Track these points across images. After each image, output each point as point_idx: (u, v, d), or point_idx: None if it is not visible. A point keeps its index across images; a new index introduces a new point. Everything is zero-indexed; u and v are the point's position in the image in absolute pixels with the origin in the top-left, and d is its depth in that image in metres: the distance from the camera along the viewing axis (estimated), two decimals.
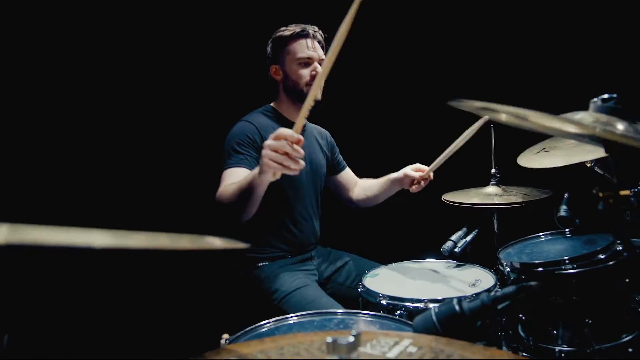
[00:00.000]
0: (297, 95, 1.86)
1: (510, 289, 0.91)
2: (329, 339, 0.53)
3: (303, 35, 1.83)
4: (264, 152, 1.23)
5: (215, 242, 0.54)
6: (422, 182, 1.89)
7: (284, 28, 1.87)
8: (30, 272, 1.94)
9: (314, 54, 1.83)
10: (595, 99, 0.91)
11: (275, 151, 1.21)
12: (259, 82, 2.01)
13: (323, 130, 2.14)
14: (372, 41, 2.69)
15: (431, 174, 1.89)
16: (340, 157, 2.18)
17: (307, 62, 1.83)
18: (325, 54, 1.88)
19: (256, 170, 1.35)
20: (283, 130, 1.22)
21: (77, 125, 2.16)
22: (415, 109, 2.83)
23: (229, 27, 2.49)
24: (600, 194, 0.85)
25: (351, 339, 0.53)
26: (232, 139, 1.74)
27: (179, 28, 2.38)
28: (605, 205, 0.85)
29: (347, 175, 2.19)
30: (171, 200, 2.35)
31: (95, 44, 2.17)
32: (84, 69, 2.16)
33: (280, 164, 1.22)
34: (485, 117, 1.64)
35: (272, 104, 1.94)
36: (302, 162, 1.25)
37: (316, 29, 1.87)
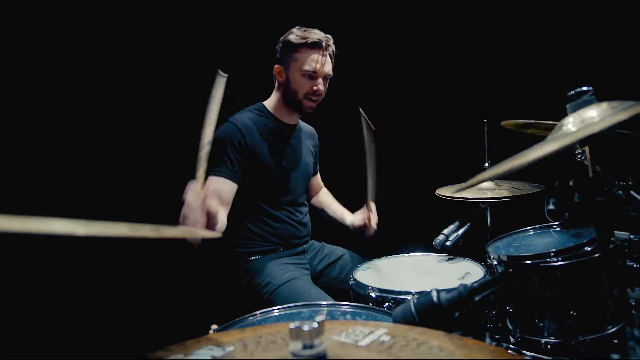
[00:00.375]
0: (293, 103, 1.84)
1: (486, 280, 0.93)
2: (292, 325, 0.55)
3: (315, 46, 1.76)
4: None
5: (174, 231, 0.57)
6: (371, 219, 1.92)
7: (297, 31, 1.80)
8: (11, 263, 1.94)
9: (321, 70, 1.78)
10: (572, 92, 0.92)
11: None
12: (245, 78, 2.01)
13: (313, 130, 2.15)
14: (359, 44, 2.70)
15: (372, 208, 1.93)
16: (318, 162, 2.21)
17: (311, 75, 1.79)
18: (332, 68, 1.85)
19: None
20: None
21: (55, 117, 2.12)
22: (405, 107, 2.85)
23: (215, 21, 2.48)
24: (576, 186, 0.86)
25: (315, 325, 0.55)
26: (214, 143, 1.72)
27: (161, 19, 2.35)
28: (580, 197, 0.86)
29: (315, 180, 2.23)
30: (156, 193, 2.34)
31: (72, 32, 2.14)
32: (61, 61, 2.13)
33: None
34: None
35: (265, 103, 1.94)
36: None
37: (330, 40, 1.81)
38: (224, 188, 1.68)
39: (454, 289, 0.93)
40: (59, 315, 2.05)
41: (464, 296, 0.91)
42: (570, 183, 0.89)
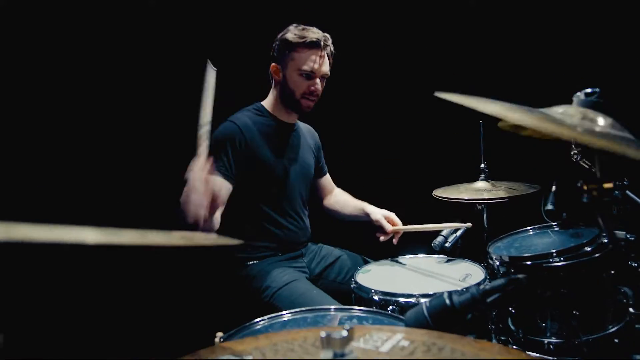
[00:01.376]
0: (290, 103, 1.83)
1: (499, 282, 0.93)
2: (323, 334, 0.54)
3: (313, 46, 1.75)
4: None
5: (203, 238, 0.55)
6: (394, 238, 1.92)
7: (294, 29, 1.79)
8: (23, 270, 1.91)
9: (319, 70, 1.77)
10: (578, 93, 0.93)
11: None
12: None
13: (313, 130, 2.13)
14: (360, 42, 2.70)
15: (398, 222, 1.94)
16: (324, 161, 2.17)
17: (309, 75, 1.77)
18: (330, 68, 1.83)
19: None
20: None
21: (64, 122, 2.11)
22: (401, 108, 2.85)
23: (210, 18, 2.45)
24: (585, 187, 0.87)
25: (345, 333, 0.54)
26: (212, 141, 1.68)
27: (158, 17, 2.33)
28: (589, 198, 0.87)
29: (326, 181, 2.19)
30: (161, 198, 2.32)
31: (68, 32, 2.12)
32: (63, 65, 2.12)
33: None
34: (469, 225, 1.75)
35: (263, 103, 1.92)
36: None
37: (329, 40, 1.80)
38: (220, 187, 1.64)
39: (466, 291, 0.93)
40: (62, 324, 2.02)
41: (477, 298, 0.90)
42: (579, 184, 0.89)
